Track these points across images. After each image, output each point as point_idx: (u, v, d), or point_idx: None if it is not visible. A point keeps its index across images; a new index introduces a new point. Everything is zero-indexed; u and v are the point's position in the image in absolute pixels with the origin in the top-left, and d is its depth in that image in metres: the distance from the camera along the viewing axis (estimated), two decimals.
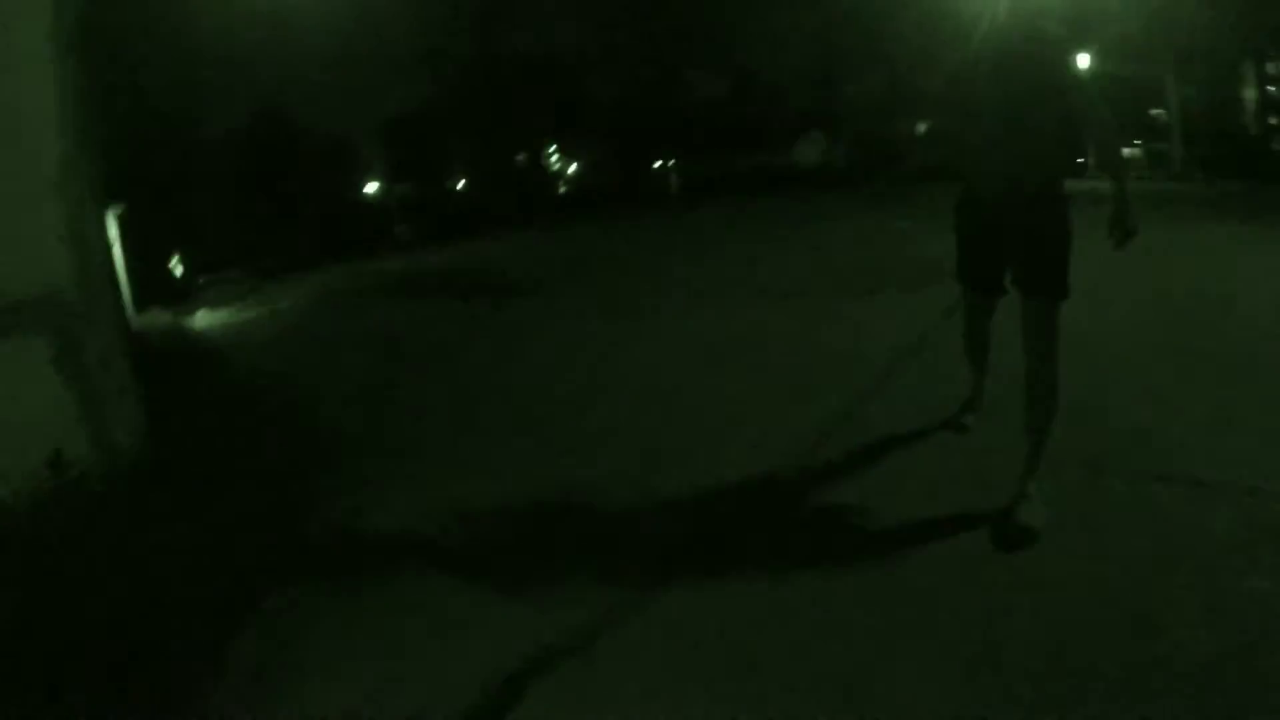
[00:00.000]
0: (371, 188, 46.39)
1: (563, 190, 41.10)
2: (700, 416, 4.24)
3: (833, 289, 7.25)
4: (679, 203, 24.46)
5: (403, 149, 40.47)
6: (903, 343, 5.09)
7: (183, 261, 21.22)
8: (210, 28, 25.03)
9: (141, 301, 16.08)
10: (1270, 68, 21.35)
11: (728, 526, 3.02)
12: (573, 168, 44.10)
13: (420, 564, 2.94)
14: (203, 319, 14.34)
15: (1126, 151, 22.44)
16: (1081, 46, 17.00)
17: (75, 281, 3.57)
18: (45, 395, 3.43)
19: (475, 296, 9.71)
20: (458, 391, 5.48)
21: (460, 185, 43.26)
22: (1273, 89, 21.63)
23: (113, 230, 15.86)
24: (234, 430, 4.80)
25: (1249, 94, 21.48)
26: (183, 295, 18.81)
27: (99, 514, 3.05)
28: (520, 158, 39.30)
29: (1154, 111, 22.43)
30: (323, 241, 28.42)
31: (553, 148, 40.79)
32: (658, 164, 30.20)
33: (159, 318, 13.66)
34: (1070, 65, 2.80)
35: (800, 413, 4.03)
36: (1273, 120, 21.25)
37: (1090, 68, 18.72)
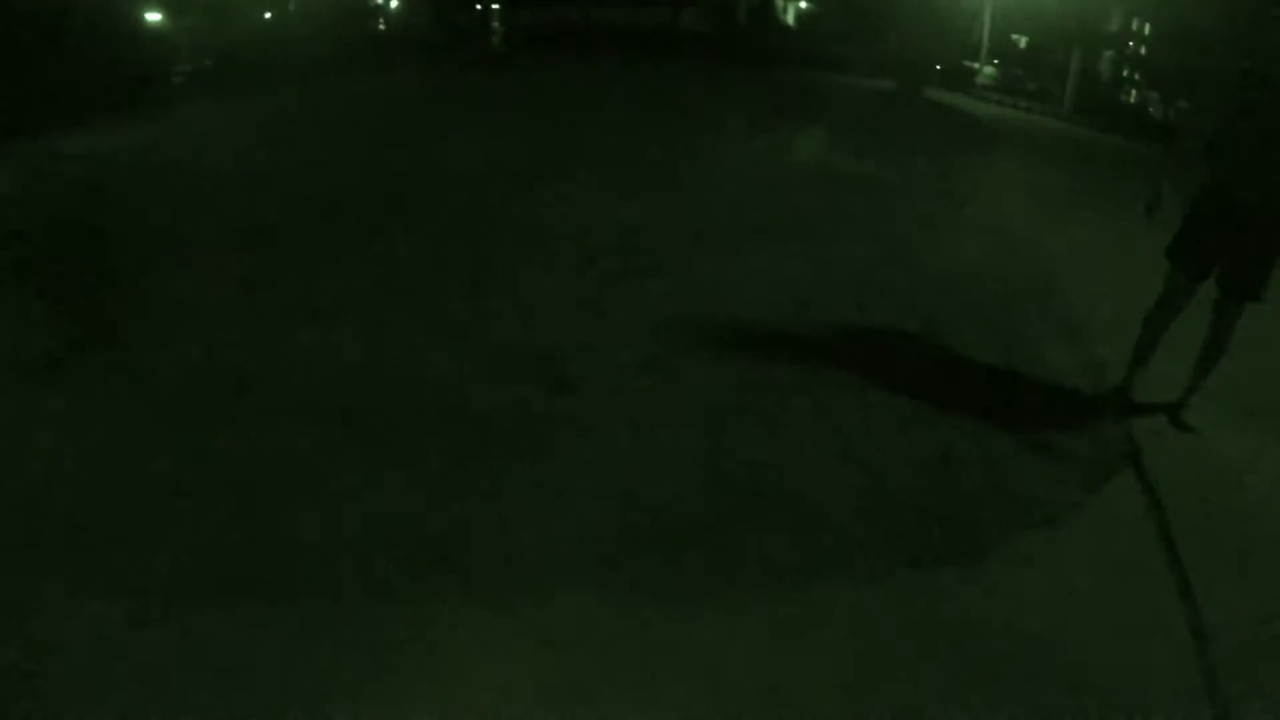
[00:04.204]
0: (154, 16, 37.05)
1: (381, 28, 34.30)
2: None
3: None
4: (500, 62, 18.81)
5: None
6: None
7: None
8: None
9: None
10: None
11: None
12: (395, 3, 37.08)
13: None
14: None
15: (989, 71, 19.43)
16: None
17: None
18: None
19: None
20: None
21: (266, 17, 35.29)
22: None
23: None
24: None
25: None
26: None
27: None
28: None
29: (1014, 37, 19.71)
30: (77, 92, 21.04)
31: None
32: (478, 6, 23.88)
33: None
34: None
35: None
36: (1125, 72, 19.06)
37: None
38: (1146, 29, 18.96)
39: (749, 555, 2.65)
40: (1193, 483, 3.22)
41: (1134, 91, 18.75)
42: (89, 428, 3.25)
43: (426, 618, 2.35)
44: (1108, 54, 18.98)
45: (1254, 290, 3.30)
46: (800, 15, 28.07)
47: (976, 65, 18.98)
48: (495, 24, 22.93)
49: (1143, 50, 19.22)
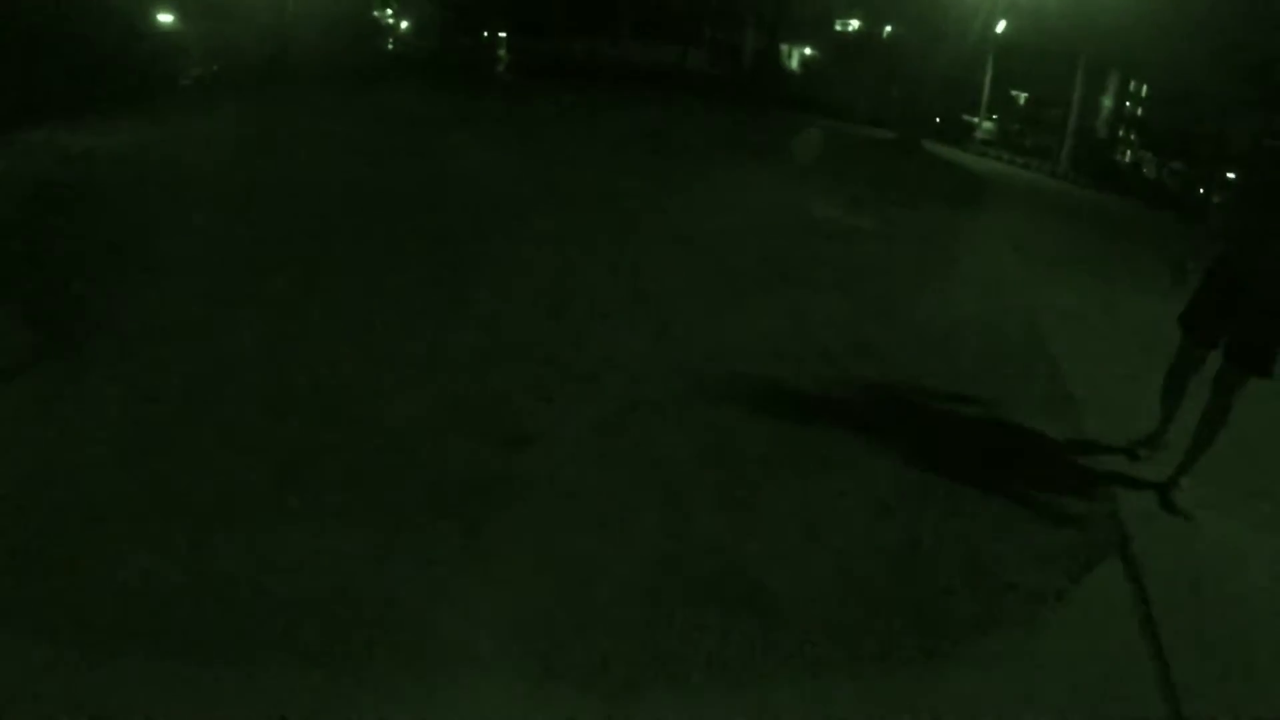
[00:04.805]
0: (166, 18, 37.11)
1: (390, 47, 34.74)
2: None
3: None
4: (502, 89, 18.80)
5: None
6: None
7: None
8: None
9: None
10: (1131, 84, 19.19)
11: None
12: (405, 25, 37.83)
13: None
14: None
15: (988, 125, 19.58)
16: None
17: None
18: None
19: None
20: None
21: (278, 27, 35.57)
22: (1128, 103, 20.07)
23: None
24: None
25: (1106, 101, 19.24)
26: None
27: None
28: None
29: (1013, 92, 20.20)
30: (87, 90, 20.63)
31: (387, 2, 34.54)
32: (485, 35, 23.97)
33: None
34: None
35: None
36: (1120, 132, 19.43)
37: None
38: (1144, 90, 19.08)
39: (697, 647, 2.40)
40: (1182, 572, 3.01)
41: (1129, 151, 18.83)
42: (30, 448, 3.02)
43: (343, 692, 2.11)
44: (1105, 113, 19.12)
45: (1265, 365, 3.23)
46: (804, 61, 28.31)
47: (976, 120, 19.06)
48: (501, 52, 22.99)
49: (1139, 111, 19.32)
